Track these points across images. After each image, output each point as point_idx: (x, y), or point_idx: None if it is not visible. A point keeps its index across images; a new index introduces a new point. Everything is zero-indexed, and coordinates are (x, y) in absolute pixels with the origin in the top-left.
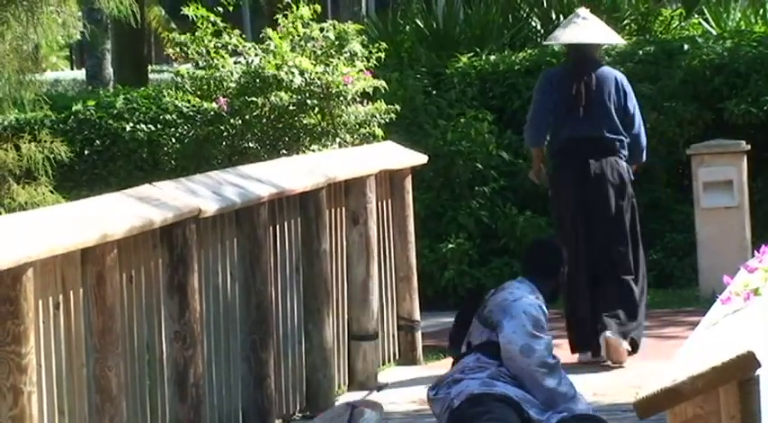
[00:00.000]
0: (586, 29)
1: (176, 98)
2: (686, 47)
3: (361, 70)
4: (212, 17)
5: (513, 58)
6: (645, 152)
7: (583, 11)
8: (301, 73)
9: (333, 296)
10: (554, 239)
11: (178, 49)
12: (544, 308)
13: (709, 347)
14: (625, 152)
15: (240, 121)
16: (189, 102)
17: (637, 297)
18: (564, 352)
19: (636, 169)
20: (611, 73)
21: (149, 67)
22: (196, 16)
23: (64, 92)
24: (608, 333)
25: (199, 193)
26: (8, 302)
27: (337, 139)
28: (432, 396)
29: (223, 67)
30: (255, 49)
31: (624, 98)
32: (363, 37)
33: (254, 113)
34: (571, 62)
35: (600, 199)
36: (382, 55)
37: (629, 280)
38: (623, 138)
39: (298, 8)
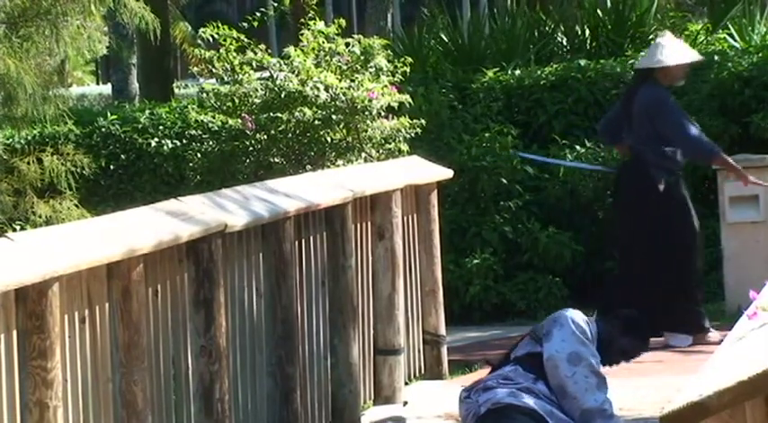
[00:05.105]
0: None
1: (201, 114)
2: (716, 58)
3: (386, 85)
4: (235, 34)
5: (539, 73)
6: None
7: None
8: (326, 88)
9: (358, 311)
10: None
11: (203, 66)
12: (592, 329)
13: (736, 362)
14: None
15: (265, 137)
16: (214, 117)
17: None
18: None
19: None
20: None
21: (175, 83)
22: (214, 35)
23: (90, 106)
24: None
25: (225, 208)
26: (34, 317)
27: (363, 154)
28: (462, 398)
29: (248, 82)
30: (280, 64)
31: None
32: (389, 52)
33: (280, 128)
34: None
35: None
36: (407, 70)
37: None
38: None
39: (315, 23)
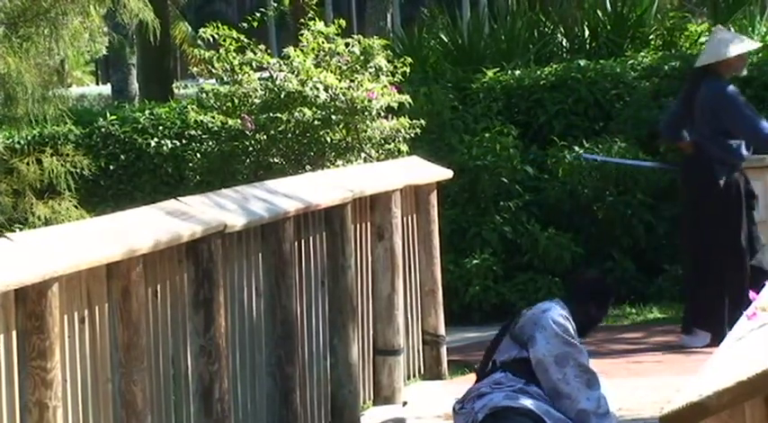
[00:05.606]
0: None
1: (201, 114)
2: None
3: (386, 85)
4: (235, 34)
5: (539, 73)
6: None
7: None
8: (326, 88)
9: (358, 311)
10: (601, 274)
11: (203, 66)
12: (572, 322)
13: (736, 362)
14: None
15: (265, 137)
16: (213, 117)
17: None
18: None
19: None
20: None
21: (175, 83)
22: (215, 35)
23: (89, 107)
24: None
25: (225, 208)
26: (33, 317)
27: (362, 155)
28: (457, 409)
29: (248, 83)
30: (280, 64)
31: None
32: (388, 52)
33: (279, 129)
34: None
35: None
36: (407, 70)
37: None
38: None
39: (315, 23)
